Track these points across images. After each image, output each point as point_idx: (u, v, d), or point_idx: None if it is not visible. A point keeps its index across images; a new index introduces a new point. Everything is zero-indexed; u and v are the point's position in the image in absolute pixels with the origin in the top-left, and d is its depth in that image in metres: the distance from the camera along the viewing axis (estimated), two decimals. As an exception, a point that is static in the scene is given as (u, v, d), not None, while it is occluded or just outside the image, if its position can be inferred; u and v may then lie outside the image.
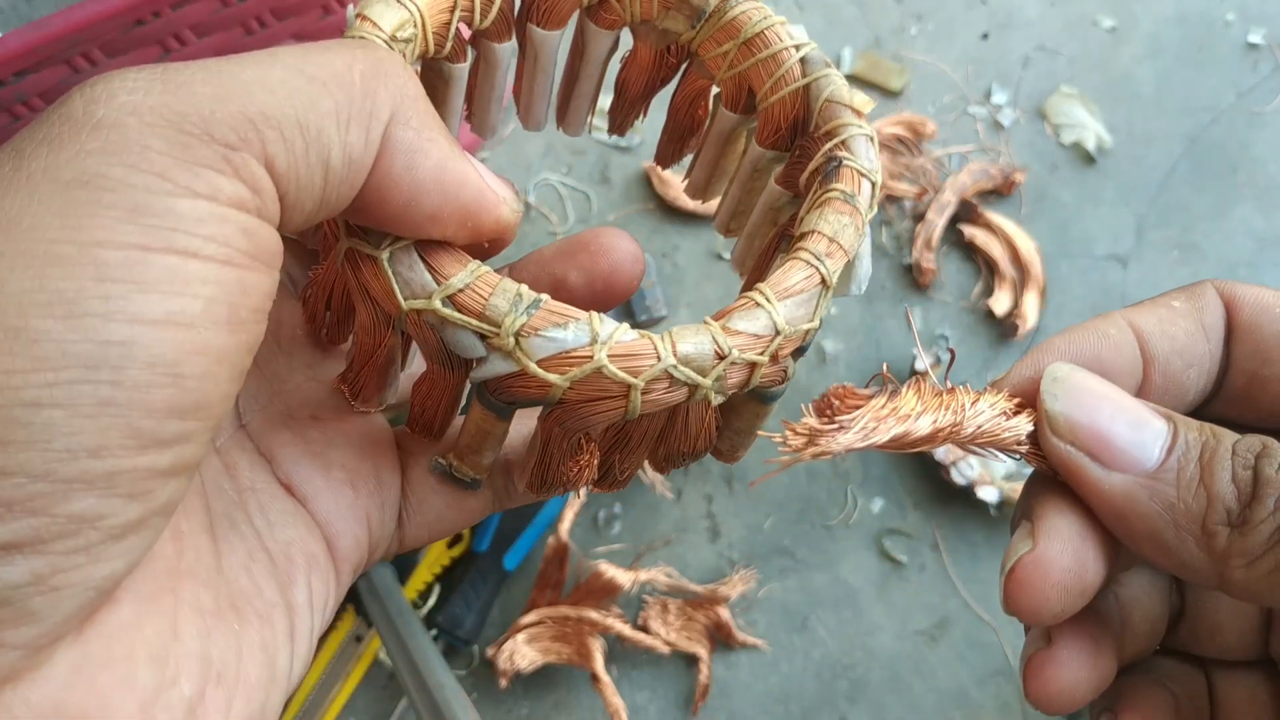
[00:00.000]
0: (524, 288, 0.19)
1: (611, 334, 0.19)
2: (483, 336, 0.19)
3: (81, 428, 0.14)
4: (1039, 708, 0.20)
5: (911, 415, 0.19)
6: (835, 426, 0.18)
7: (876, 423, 0.18)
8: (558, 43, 0.27)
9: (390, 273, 0.19)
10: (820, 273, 0.21)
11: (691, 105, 0.29)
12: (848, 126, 0.24)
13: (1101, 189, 0.61)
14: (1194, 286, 0.20)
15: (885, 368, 0.20)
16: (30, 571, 0.14)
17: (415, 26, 0.22)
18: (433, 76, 0.25)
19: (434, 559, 0.55)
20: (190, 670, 0.17)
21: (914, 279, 0.59)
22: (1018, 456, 0.19)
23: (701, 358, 0.19)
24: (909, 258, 0.60)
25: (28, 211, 0.13)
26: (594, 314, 0.20)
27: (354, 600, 0.52)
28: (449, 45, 0.24)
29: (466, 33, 0.25)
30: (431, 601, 0.55)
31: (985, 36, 0.63)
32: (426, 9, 0.22)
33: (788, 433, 0.19)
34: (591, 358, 0.19)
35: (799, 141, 0.26)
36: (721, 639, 0.56)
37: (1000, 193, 0.61)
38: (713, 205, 0.58)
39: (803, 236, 0.22)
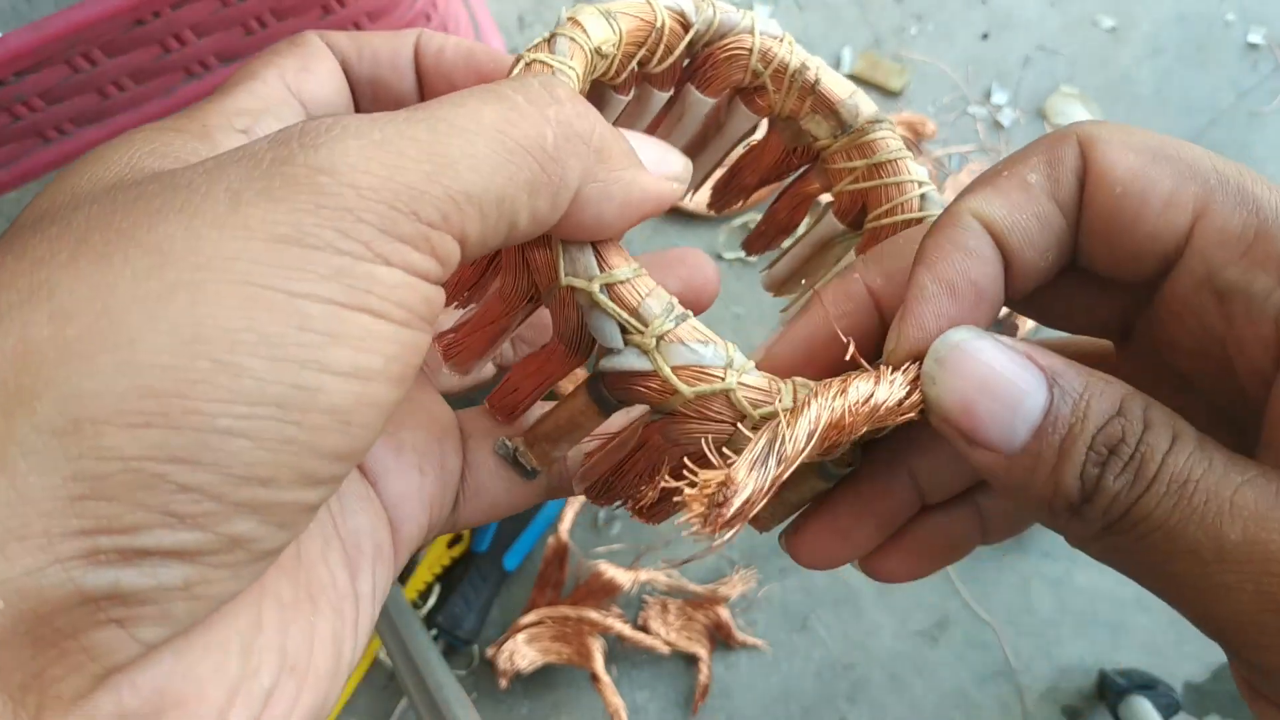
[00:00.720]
0: (675, 300, 0.21)
1: (743, 365, 0.20)
2: (624, 330, 0.20)
3: (261, 459, 0.15)
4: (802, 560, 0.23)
5: (789, 457, 0.18)
6: (721, 512, 0.18)
7: (759, 484, 0.18)
8: (708, 109, 0.28)
9: (560, 248, 0.20)
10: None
11: (798, 206, 0.31)
12: None
13: (1101, 189, 0.61)
14: (1053, 141, 0.20)
15: (742, 426, 0.20)
16: (183, 578, 0.15)
17: (614, 48, 0.23)
18: (592, 97, 0.25)
19: (434, 559, 0.55)
20: (270, 662, 0.18)
21: (914, 279, 0.59)
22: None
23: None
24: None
25: (244, 255, 0.15)
26: (729, 343, 0.20)
27: (354, 600, 0.52)
28: (624, 76, 0.25)
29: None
30: (431, 601, 0.55)
31: (985, 36, 0.63)
32: (625, 35, 0.24)
33: (695, 526, 0.18)
34: (723, 379, 0.20)
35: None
36: (721, 639, 0.56)
37: (1000, 193, 0.61)
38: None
39: None
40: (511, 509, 0.26)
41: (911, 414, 0.20)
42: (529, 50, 0.22)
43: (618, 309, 0.20)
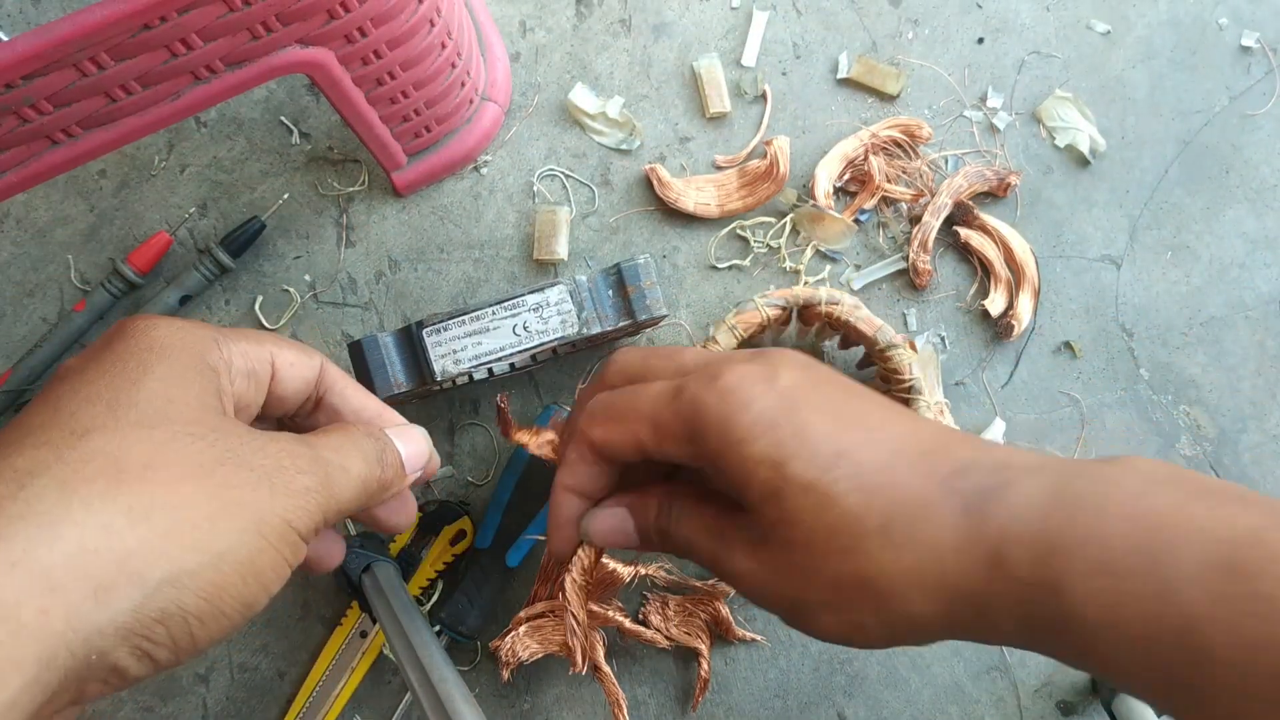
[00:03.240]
0: None
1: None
2: None
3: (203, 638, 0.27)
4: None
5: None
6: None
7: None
8: (806, 331, 0.59)
9: None
10: None
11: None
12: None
13: (1095, 191, 0.62)
14: (575, 449, 0.38)
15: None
16: (148, 673, 0.26)
17: (738, 337, 0.54)
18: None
19: (437, 556, 0.56)
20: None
21: (910, 280, 0.60)
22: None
23: None
24: (905, 259, 0.60)
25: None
26: None
27: (358, 596, 0.52)
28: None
29: None
30: (435, 598, 0.56)
31: (980, 41, 0.63)
32: (743, 330, 0.53)
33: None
34: None
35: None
36: (720, 634, 0.56)
37: (995, 195, 0.61)
38: (712, 208, 0.60)
39: None
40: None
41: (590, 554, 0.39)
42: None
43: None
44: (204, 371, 0.30)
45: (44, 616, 0.22)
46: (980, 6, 0.64)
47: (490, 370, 0.52)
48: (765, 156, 0.60)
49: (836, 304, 0.53)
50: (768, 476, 0.31)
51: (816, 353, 0.59)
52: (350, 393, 0.37)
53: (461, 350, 0.48)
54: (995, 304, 0.59)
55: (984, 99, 0.63)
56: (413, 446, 0.35)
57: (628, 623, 0.54)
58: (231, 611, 0.26)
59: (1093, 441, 0.59)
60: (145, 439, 0.26)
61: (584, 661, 0.44)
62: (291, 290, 0.60)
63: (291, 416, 0.37)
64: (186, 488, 0.25)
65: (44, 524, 0.23)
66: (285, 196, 0.61)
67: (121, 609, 0.23)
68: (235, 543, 0.26)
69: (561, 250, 0.60)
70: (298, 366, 0.35)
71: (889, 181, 0.60)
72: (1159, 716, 0.51)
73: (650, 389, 0.35)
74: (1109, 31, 0.64)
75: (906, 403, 0.53)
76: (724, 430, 0.32)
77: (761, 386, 0.32)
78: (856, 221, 0.61)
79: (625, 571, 0.54)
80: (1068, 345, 0.60)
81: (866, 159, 0.60)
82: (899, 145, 0.61)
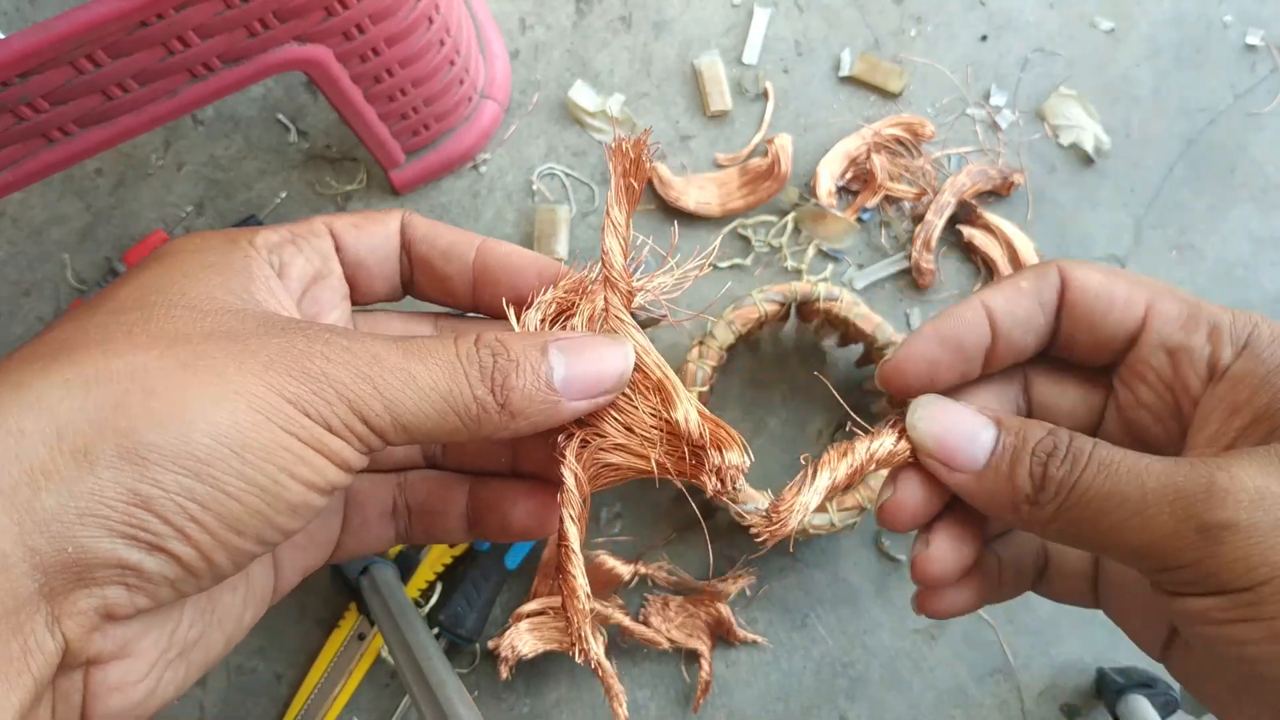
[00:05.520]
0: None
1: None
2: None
3: (242, 519, 0.23)
4: (922, 584, 0.30)
5: (825, 489, 0.28)
6: (779, 524, 0.27)
7: (803, 512, 0.28)
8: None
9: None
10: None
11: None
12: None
13: (1099, 190, 0.61)
14: (1040, 266, 0.29)
15: (804, 458, 0.29)
16: (174, 574, 0.22)
17: (736, 333, 0.49)
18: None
19: (436, 558, 0.55)
20: (177, 643, 0.25)
21: (913, 280, 0.60)
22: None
23: None
24: (909, 259, 0.60)
25: (267, 399, 0.23)
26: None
27: (356, 598, 0.52)
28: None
29: None
30: (434, 600, 0.55)
31: (984, 38, 0.63)
32: (742, 326, 0.52)
33: (760, 529, 0.28)
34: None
35: None
36: (722, 635, 0.56)
37: (999, 194, 0.61)
38: (713, 207, 0.60)
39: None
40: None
41: (906, 456, 0.29)
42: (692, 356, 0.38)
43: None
44: (223, 264, 0.26)
45: None
46: (984, 4, 0.63)
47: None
48: (767, 155, 0.60)
49: (835, 300, 0.52)
50: None
51: (815, 350, 0.59)
52: (440, 232, 0.31)
53: (460, 350, 0.48)
54: (998, 303, 0.59)
55: (987, 97, 0.62)
56: (584, 366, 0.26)
57: (628, 622, 0.54)
58: (244, 495, 0.22)
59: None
60: (109, 322, 0.23)
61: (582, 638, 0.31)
62: (290, 289, 0.60)
63: (450, 295, 0.31)
64: (147, 357, 0.22)
65: None
66: (283, 195, 0.60)
67: (73, 491, 0.20)
68: (211, 413, 0.21)
69: (561, 249, 0.59)
70: (364, 225, 0.30)
71: (891, 180, 0.60)
72: (1164, 720, 0.51)
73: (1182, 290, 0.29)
74: (1113, 29, 0.63)
75: (904, 402, 0.52)
76: None
77: None
78: (859, 220, 0.60)
79: (625, 570, 0.54)
80: (1071, 345, 0.60)
81: (869, 157, 0.60)
82: (901, 143, 0.61)
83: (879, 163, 0.59)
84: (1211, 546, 0.23)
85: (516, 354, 0.25)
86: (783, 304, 0.53)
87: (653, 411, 0.27)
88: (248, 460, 0.22)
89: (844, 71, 0.62)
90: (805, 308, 0.54)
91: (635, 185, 0.29)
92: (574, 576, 0.27)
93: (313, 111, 0.62)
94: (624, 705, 0.52)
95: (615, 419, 0.28)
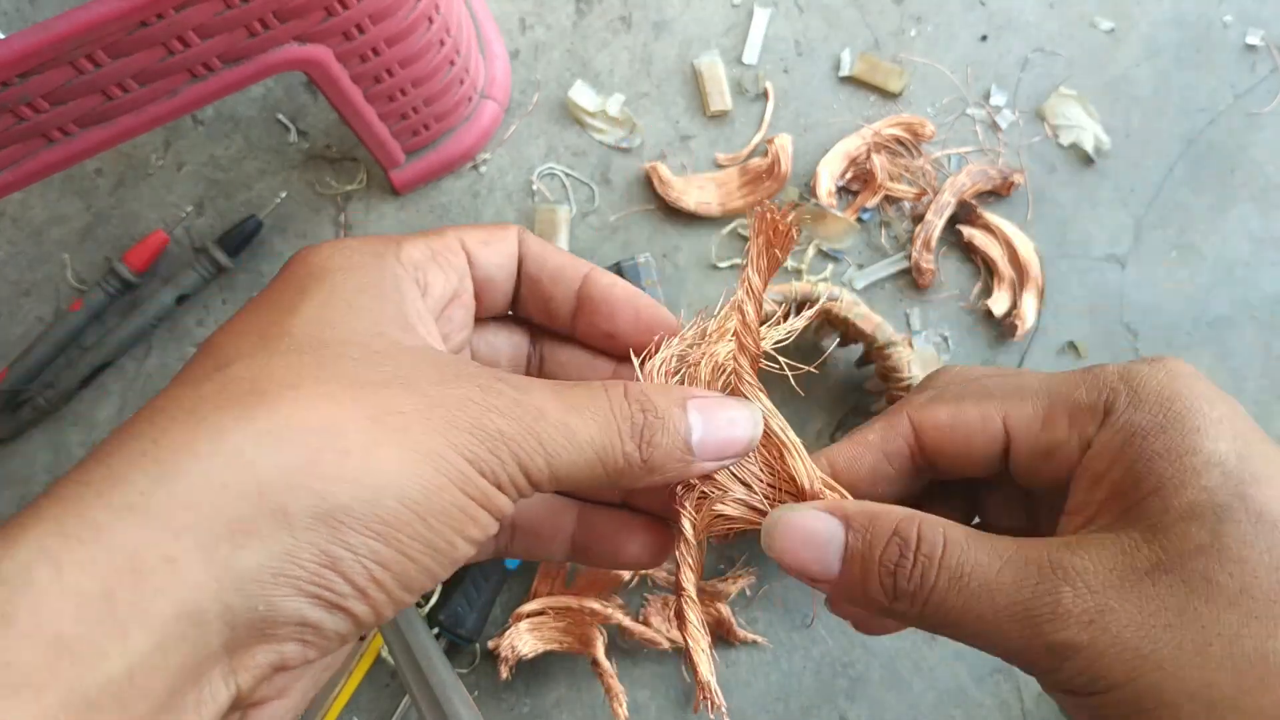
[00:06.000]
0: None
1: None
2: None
3: (415, 578, 0.23)
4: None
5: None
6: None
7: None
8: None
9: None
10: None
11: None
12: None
13: (1099, 190, 0.61)
14: (889, 415, 0.30)
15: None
16: (345, 630, 0.23)
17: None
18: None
19: (435, 558, 0.55)
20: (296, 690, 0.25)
21: (913, 280, 0.60)
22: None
23: None
24: (908, 259, 0.60)
25: (446, 458, 0.23)
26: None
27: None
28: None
29: None
30: (433, 600, 0.55)
31: (984, 38, 0.63)
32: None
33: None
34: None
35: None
36: (722, 635, 0.56)
37: (999, 194, 0.61)
38: (713, 207, 0.60)
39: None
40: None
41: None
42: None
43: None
44: (378, 288, 0.26)
45: (172, 565, 0.19)
46: (984, 4, 0.63)
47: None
48: (767, 155, 0.60)
49: (835, 300, 0.52)
50: (1217, 484, 0.24)
51: (815, 350, 0.59)
52: (550, 254, 0.31)
53: (460, 350, 0.48)
54: (999, 304, 0.59)
55: (987, 97, 0.62)
56: (719, 429, 0.27)
57: (628, 622, 0.54)
58: (420, 557, 0.22)
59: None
60: (294, 363, 0.23)
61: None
62: (290, 290, 0.60)
63: (552, 323, 0.32)
64: (336, 410, 0.22)
65: (166, 459, 0.20)
66: (283, 195, 0.60)
67: (271, 552, 0.20)
68: (400, 476, 0.22)
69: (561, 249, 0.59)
70: (493, 241, 0.30)
71: (891, 180, 0.60)
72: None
73: (1036, 373, 0.29)
74: (1113, 29, 0.63)
75: (894, 397, 0.52)
76: (1169, 409, 0.25)
77: (1216, 389, 0.27)
78: (859, 220, 0.60)
79: (625, 570, 0.54)
80: (1072, 345, 0.60)
81: (869, 157, 0.60)
82: (902, 143, 0.61)
83: (879, 163, 0.59)
84: (1059, 662, 0.24)
85: (663, 412, 0.26)
86: (782, 304, 0.53)
87: (766, 465, 0.29)
88: (430, 524, 0.22)
89: (844, 71, 0.62)
90: (805, 308, 0.54)
91: (779, 255, 0.28)
92: (693, 624, 0.29)
93: (313, 111, 0.62)
94: (624, 705, 0.52)
95: (732, 472, 0.29)
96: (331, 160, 0.61)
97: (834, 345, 0.58)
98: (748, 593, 0.56)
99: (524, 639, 0.53)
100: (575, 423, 0.25)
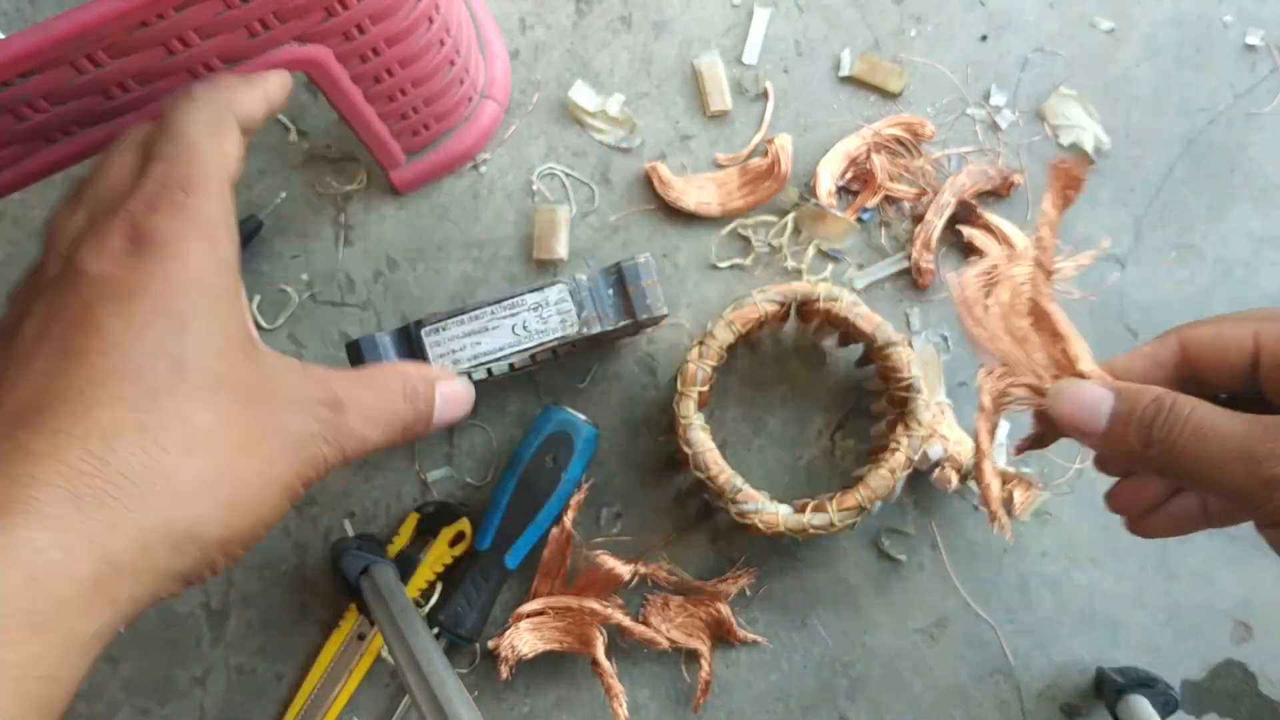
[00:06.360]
0: None
1: None
2: None
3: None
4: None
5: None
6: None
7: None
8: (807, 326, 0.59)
9: None
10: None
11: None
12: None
13: (1099, 190, 0.61)
14: (1163, 335, 0.37)
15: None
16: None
17: (736, 333, 0.53)
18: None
19: (436, 557, 0.55)
20: None
21: (913, 279, 0.60)
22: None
23: None
24: (908, 258, 0.60)
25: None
26: None
27: (356, 598, 0.52)
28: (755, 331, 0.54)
29: None
30: (434, 600, 0.55)
31: (984, 38, 0.63)
32: (741, 325, 0.53)
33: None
34: None
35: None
36: (722, 635, 0.56)
37: (999, 194, 0.61)
38: (713, 207, 0.60)
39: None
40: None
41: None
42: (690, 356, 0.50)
43: None
44: (232, 305, 0.33)
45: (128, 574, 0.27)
46: (984, 4, 0.63)
47: (489, 370, 0.52)
48: (767, 155, 0.60)
49: (835, 300, 0.52)
50: None
51: (815, 350, 0.59)
52: None
53: (460, 350, 0.48)
54: (999, 303, 0.59)
55: (987, 97, 0.62)
56: (448, 386, 0.39)
57: (628, 622, 0.54)
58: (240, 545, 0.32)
59: (1097, 442, 0.59)
60: (208, 406, 0.30)
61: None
62: (289, 290, 0.60)
63: None
64: (243, 464, 0.30)
65: (134, 496, 0.27)
66: (283, 195, 0.60)
67: (183, 562, 0.29)
68: (271, 511, 0.32)
69: (561, 249, 0.59)
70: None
71: (891, 180, 0.60)
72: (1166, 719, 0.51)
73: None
74: (1113, 29, 0.63)
75: (905, 402, 0.52)
76: None
77: None
78: (859, 220, 0.60)
79: (625, 570, 0.54)
80: (1072, 345, 0.60)
81: (869, 157, 0.60)
82: (902, 143, 0.61)
83: (879, 163, 0.59)
84: (1272, 493, 0.30)
85: (414, 379, 0.39)
86: (783, 304, 0.53)
87: (1048, 354, 0.37)
88: (257, 528, 0.31)
89: (844, 71, 0.62)
90: (805, 308, 0.54)
91: (1071, 195, 0.38)
92: (987, 472, 0.39)
93: (313, 111, 0.62)
94: (624, 705, 0.52)
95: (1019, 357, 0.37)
96: (331, 160, 0.61)
97: (834, 345, 0.58)
98: (748, 593, 0.56)
99: (524, 639, 0.53)
100: (375, 409, 0.36)
